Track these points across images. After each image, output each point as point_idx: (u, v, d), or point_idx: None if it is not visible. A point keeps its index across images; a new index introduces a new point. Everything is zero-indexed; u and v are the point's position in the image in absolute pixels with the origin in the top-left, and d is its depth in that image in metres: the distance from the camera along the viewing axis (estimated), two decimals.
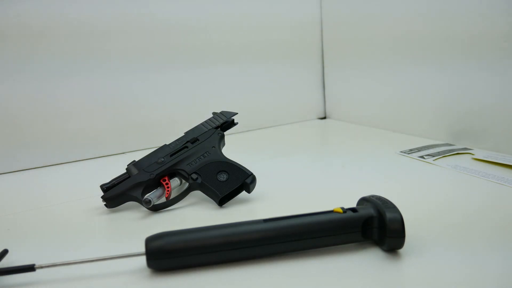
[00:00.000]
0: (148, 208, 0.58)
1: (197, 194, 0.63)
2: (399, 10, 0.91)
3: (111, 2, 0.87)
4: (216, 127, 0.67)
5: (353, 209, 0.47)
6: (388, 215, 0.44)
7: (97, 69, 0.88)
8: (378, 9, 0.96)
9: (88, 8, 0.86)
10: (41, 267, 0.43)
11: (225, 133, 0.67)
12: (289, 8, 1.09)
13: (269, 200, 0.62)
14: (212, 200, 0.61)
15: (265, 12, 1.05)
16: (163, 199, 0.61)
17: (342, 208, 0.46)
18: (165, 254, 0.43)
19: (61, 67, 0.85)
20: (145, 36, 0.92)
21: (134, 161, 0.63)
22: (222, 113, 0.69)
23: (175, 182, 0.64)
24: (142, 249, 0.43)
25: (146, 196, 0.59)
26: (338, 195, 0.62)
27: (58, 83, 0.85)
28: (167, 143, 0.65)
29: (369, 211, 0.46)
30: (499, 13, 0.73)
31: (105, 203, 0.60)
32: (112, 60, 0.89)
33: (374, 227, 0.45)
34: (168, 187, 0.61)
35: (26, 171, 0.84)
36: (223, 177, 0.60)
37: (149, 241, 0.43)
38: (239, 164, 0.62)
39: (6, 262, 0.46)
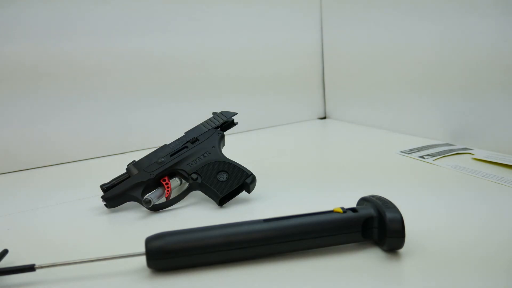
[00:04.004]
0: (148, 208, 0.58)
1: (197, 194, 0.63)
2: (400, 12, 0.91)
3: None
4: (216, 127, 0.67)
5: (353, 209, 0.47)
6: (388, 215, 0.44)
7: (97, 70, 0.88)
8: (380, 12, 0.96)
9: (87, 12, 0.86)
10: (41, 267, 0.43)
11: (225, 133, 0.67)
12: (290, 10, 1.09)
13: (269, 200, 0.61)
14: (212, 200, 0.61)
15: (266, 13, 1.05)
16: (163, 199, 0.61)
17: (342, 208, 0.46)
18: (165, 254, 0.43)
19: (62, 68, 0.85)
20: (147, 41, 0.92)
21: (134, 161, 0.63)
22: (222, 113, 0.69)
23: (175, 182, 0.64)
24: (142, 249, 0.43)
25: (146, 196, 0.59)
26: (338, 195, 0.62)
27: (58, 84, 0.85)
28: (167, 143, 0.65)
29: (369, 211, 0.46)
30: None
31: (105, 203, 0.60)
32: (112, 60, 0.89)
33: (374, 227, 0.45)
34: (168, 187, 0.61)
35: (26, 171, 0.84)
36: (223, 177, 0.60)
37: (149, 241, 0.43)
38: (239, 164, 0.62)
39: (6, 262, 0.46)
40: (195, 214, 0.59)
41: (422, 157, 0.77)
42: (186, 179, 0.62)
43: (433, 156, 0.77)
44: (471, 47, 0.78)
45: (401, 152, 0.81)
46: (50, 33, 0.83)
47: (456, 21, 0.80)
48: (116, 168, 0.68)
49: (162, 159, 0.62)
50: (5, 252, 0.47)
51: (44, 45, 0.83)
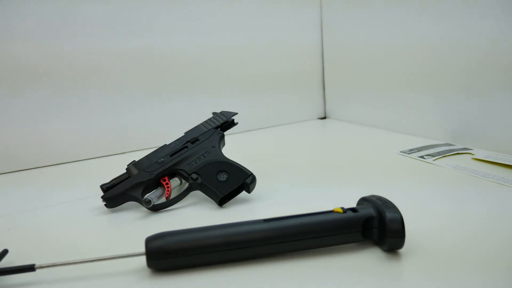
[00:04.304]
0: (148, 208, 0.58)
1: (197, 194, 0.63)
2: (401, 15, 0.91)
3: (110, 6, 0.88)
4: (216, 127, 0.67)
5: (353, 209, 0.47)
6: (388, 215, 0.44)
7: (97, 71, 0.88)
8: (380, 12, 0.96)
9: (85, 13, 0.86)
10: (41, 267, 0.43)
11: (225, 133, 0.67)
12: (290, 10, 1.09)
13: (269, 200, 0.61)
14: (212, 200, 0.61)
15: (266, 14, 1.05)
16: (163, 199, 0.61)
17: (342, 208, 0.46)
18: (165, 254, 0.43)
19: (62, 70, 0.85)
20: (147, 40, 0.92)
21: (134, 161, 0.63)
22: (222, 113, 0.69)
23: (175, 182, 0.64)
24: (142, 249, 0.43)
25: (146, 196, 0.59)
26: (338, 195, 0.62)
27: (58, 85, 0.85)
28: (167, 143, 0.65)
29: (369, 211, 0.46)
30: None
31: (105, 203, 0.60)
32: (111, 61, 0.89)
33: (374, 227, 0.45)
34: (168, 187, 0.61)
35: (26, 171, 0.84)
36: (223, 177, 0.60)
37: (149, 241, 0.43)
38: (239, 164, 0.62)
39: (6, 262, 0.46)
40: (195, 214, 0.59)
41: (422, 157, 0.77)
42: (186, 179, 0.62)
43: (433, 156, 0.77)
44: (471, 47, 0.78)
45: (401, 152, 0.81)
46: (50, 33, 0.83)
47: (456, 20, 0.80)
48: (116, 168, 0.68)
49: (162, 159, 0.62)
50: (5, 252, 0.47)
51: (44, 45, 0.83)
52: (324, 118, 1.19)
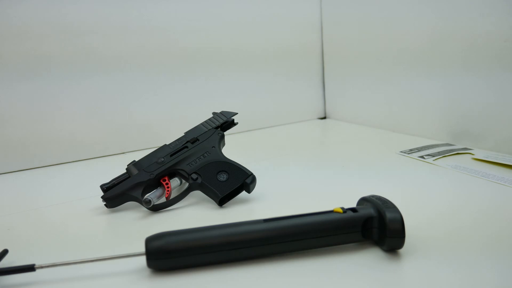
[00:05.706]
0: (148, 208, 0.58)
1: (197, 194, 0.63)
2: (400, 13, 0.91)
3: (110, 3, 0.88)
4: (216, 127, 0.67)
5: (353, 209, 0.47)
6: (388, 215, 0.44)
7: (97, 70, 0.88)
8: (379, 12, 0.96)
9: (86, 10, 0.86)
10: (41, 267, 0.43)
11: (225, 133, 0.67)
12: (289, 9, 1.09)
13: (269, 200, 0.62)
14: (212, 200, 0.61)
15: (265, 13, 1.05)
16: (163, 199, 0.61)
17: (342, 208, 0.46)
18: (165, 254, 0.43)
19: (61, 69, 0.85)
20: (145, 38, 0.92)
21: (134, 161, 0.63)
22: (222, 113, 0.69)
23: (175, 182, 0.64)
24: (142, 249, 0.43)
25: (146, 196, 0.59)
26: (338, 195, 0.62)
27: (58, 85, 0.85)
28: (167, 143, 0.65)
29: (369, 211, 0.46)
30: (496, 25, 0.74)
31: (105, 203, 0.60)
32: (111, 60, 0.89)
33: (374, 227, 0.45)
34: (168, 187, 0.61)
35: (26, 171, 0.84)
36: (223, 177, 0.60)
37: (149, 241, 0.43)
38: (239, 164, 0.62)
39: (6, 262, 0.46)
40: (195, 214, 0.59)
41: (422, 157, 0.77)
42: (186, 179, 0.62)
43: (433, 156, 0.77)
44: (472, 46, 0.78)
45: (401, 152, 0.81)
46: (51, 31, 0.83)
47: (459, 19, 0.80)
48: (116, 168, 0.68)
49: (162, 159, 0.62)
50: (5, 252, 0.47)
51: (42, 42, 0.83)
52: (324, 118, 1.19)
